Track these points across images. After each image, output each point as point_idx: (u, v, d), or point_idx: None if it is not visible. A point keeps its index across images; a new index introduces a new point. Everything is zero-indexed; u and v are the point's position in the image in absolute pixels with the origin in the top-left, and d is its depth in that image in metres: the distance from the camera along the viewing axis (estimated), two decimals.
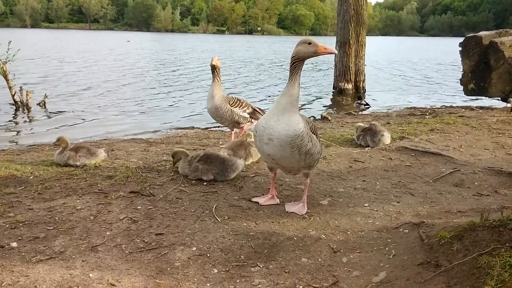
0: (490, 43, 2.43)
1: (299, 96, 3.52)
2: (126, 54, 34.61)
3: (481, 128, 7.47)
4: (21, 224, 3.45)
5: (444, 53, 42.20)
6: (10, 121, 10.13)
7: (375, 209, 3.95)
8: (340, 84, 14.82)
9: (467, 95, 2.66)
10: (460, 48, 2.56)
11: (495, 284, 2.26)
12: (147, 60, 29.07)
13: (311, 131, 3.66)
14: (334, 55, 16.53)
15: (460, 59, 2.57)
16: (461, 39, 2.62)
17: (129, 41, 56.92)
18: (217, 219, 3.63)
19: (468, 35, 2.56)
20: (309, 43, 3.44)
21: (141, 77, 19.30)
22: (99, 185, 4.37)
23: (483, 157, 5.68)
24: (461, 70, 2.61)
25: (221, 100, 5.70)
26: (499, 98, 2.95)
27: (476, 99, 13.26)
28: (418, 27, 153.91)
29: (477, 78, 2.50)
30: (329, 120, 9.46)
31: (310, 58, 3.61)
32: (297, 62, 3.48)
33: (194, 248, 3.18)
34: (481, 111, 10.41)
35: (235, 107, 5.84)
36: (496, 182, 4.75)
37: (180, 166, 4.67)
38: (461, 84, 2.61)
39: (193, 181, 4.52)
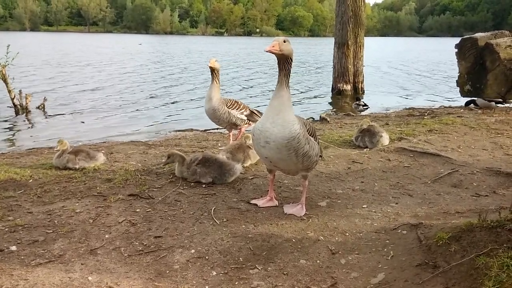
0: (486, 45, 2.45)
1: (290, 96, 3.53)
2: (147, 57, 34.54)
3: (479, 129, 7.48)
4: (20, 228, 3.46)
5: (443, 53, 42.18)
6: (9, 124, 10.15)
7: (373, 210, 3.95)
8: (338, 85, 14.83)
9: (463, 97, 2.68)
10: (456, 50, 2.58)
11: (493, 285, 2.27)
12: (164, 64, 28.69)
13: (308, 133, 3.66)
14: (333, 56, 16.27)
15: (456, 60, 2.59)
16: (459, 39, 2.64)
17: (140, 44, 57.18)
18: (215, 222, 3.64)
19: (464, 36, 2.58)
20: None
21: (147, 82, 19.18)
22: (98, 188, 4.37)
23: (481, 158, 5.69)
24: (458, 71, 2.62)
25: (218, 102, 5.73)
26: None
27: None
28: (416, 27, 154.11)
29: (473, 80, 2.52)
30: (328, 121, 9.47)
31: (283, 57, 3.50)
32: (279, 62, 3.50)
33: (192, 251, 3.18)
34: (479, 111, 10.41)
35: (233, 109, 5.87)
36: (494, 183, 4.76)
37: (177, 169, 4.68)
38: (457, 86, 2.64)
39: (192, 184, 4.52)
